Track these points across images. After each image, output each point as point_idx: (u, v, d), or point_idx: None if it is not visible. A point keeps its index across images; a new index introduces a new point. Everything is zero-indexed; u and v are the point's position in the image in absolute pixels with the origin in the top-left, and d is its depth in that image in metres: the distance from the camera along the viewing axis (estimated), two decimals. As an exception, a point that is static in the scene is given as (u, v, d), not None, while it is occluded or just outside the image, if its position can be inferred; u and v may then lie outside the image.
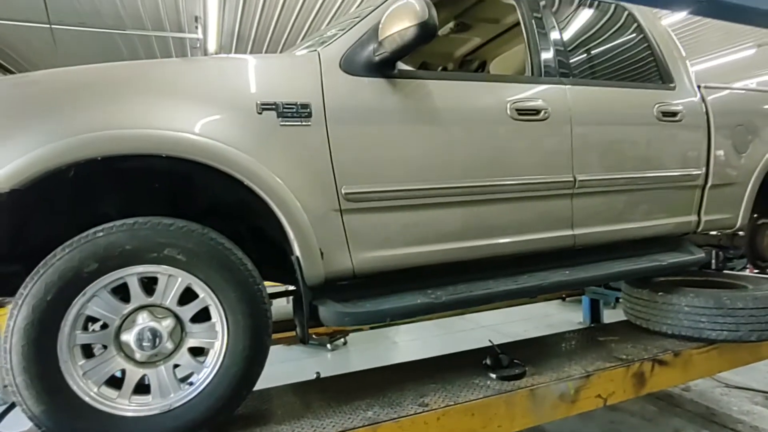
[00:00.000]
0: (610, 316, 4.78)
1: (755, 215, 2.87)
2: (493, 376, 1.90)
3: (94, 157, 1.38)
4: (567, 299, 6.03)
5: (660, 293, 2.38)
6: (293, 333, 2.63)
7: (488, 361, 1.99)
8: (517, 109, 1.99)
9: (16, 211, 1.42)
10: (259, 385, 1.56)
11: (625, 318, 2.69)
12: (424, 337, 5.37)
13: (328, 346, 4.91)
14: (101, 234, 1.39)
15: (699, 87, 2.58)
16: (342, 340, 4.99)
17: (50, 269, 1.34)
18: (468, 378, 1.90)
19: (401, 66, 1.85)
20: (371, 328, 3.30)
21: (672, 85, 2.50)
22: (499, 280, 1.97)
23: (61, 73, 1.49)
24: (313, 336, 1.84)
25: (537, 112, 2.04)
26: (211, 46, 7.56)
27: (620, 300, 3.93)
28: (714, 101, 2.58)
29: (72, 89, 1.46)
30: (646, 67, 2.52)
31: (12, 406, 1.64)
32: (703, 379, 3.72)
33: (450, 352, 2.27)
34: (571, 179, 2.12)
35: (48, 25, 6.26)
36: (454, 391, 1.79)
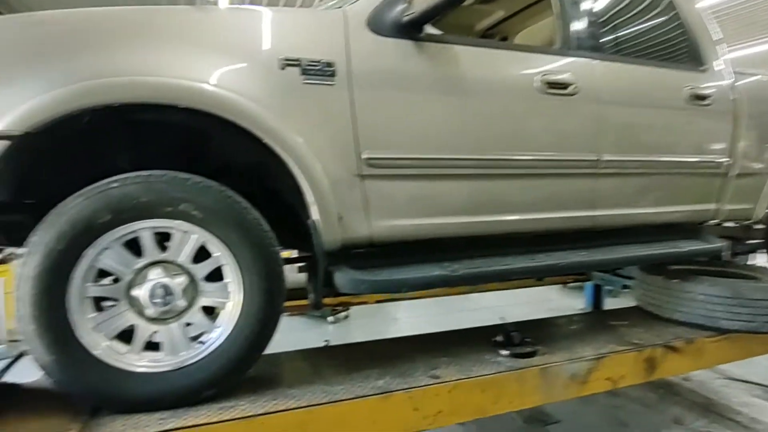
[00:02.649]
0: (612, 304, 4.78)
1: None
2: (505, 353, 1.87)
3: (110, 104, 1.32)
4: (569, 285, 6.05)
5: (675, 280, 2.34)
6: (297, 302, 2.60)
7: (500, 339, 1.97)
8: (546, 82, 1.92)
9: (27, 157, 1.37)
10: (265, 351, 1.53)
11: (633, 305, 2.66)
12: (425, 314, 5.37)
13: (330, 318, 4.92)
14: (115, 185, 1.34)
15: (730, 72, 2.49)
16: (344, 313, 5.00)
17: (62, 218, 1.30)
18: (479, 354, 1.88)
19: (429, 29, 1.77)
20: (376, 302, 3.28)
21: (703, 67, 2.42)
22: (516, 257, 1.93)
23: (79, 14, 1.42)
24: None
25: (566, 86, 1.96)
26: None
27: (627, 287, 3.92)
28: (745, 87, 2.50)
29: (92, 31, 1.39)
30: (678, 48, 2.43)
31: (18, 357, 1.62)
32: (704, 370, 3.73)
33: (460, 328, 2.25)
34: (596, 158, 2.06)
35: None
36: (465, 365, 1.76)
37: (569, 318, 2.50)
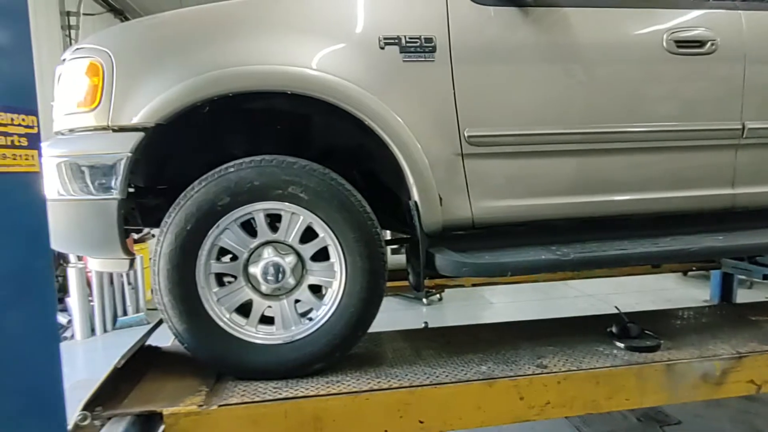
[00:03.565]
0: (745, 297, 4.16)
1: None
2: (621, 345, 1.71)
3: (225, 93, 1.41)
4: (689, 273, 5.38)
5: (842, 271, 1.95)
6: (396, 283, 2.63)
7: (614, 329, 1.80)
8: (676, 41, 1.67)
9: (159, 146, 1.53)
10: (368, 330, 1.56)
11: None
12: (521, 300, 5.16)
13: (424, 300, 4.95)
14: (232, 170, 1.44)
15: None
16: (438, 295, 4.99)
17: (189, 201, 1.43)
18: (590, 344, 1.74)
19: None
20: (472, 285, 3.20)
21: None
22: (636, 241, 1.73)
23: (189, 13, 1.53)
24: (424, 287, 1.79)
25: (702, 44, 1.70)
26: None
27: (768, 278, 3.37)
28: None
29: (203, 27, 1.50)
30: None
31: (158, 323, 1.85)
32: None
33: (566, 316, 2.10)
34: (739, 127, 1.76)
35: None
36: (575, 356, 1.64)
37: (697, 310, 2.21)
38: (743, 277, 4.07)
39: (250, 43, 1.46)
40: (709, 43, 1.70)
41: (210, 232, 1.44)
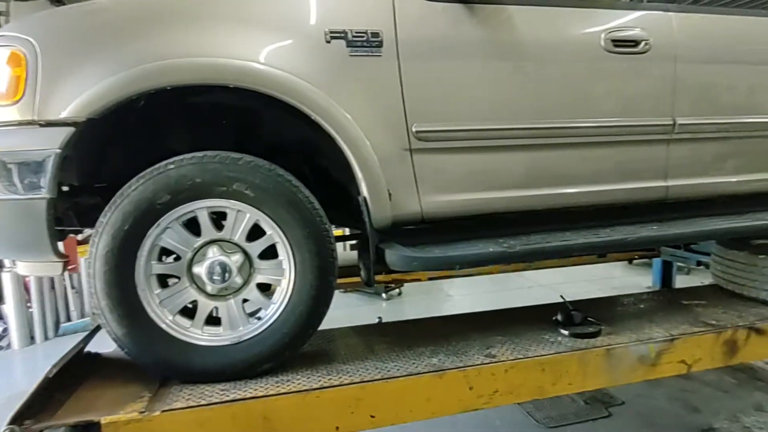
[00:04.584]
0: (683, 282, 4.45)
1: None
2: (565, 332, 1.78)
3: (163, 87, 1.35)
4: (634, 262, 5.68)
5: (761, 256, 2.11)
6: (350, 279, 2.63)
7: (559, 317, 1.87)
8: (612, 40, 1.75)
9: (92, 142, 1.44)
10: (320, 327, 1.55)
11: (708, 283, 2.45)
12: (479, 292, 5.29)
13: (383, 295, 4.97)
14: (172, 166, 1.38)
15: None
16: (397, 290, 5.03)
17: (126, 200, 1.36)
18: (537, 333, 1.80)
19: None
20: (429, 279, 3.25)
21: (802, 12, 2.10)
22: (578, 232, 1.81)
23: (128, 1, 1.46)
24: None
25: (636, 43, 1.78)
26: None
27: (702, 264, 3.62)
28: None
29: (140, 17, 1.42)
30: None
31: (96, 329, 1.76)
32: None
33: (517, 306, 2.17)
34: (671, 123, 1.87)
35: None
36: (522, 344, 1.70)
37: (636, 297, 2.34)
38: (681, 264, 4.36)
39: (190, 34, 1.40)
40: (642, 43, 1.79)
41: (150, 232, 1.38)
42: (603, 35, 1.75)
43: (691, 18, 1.92)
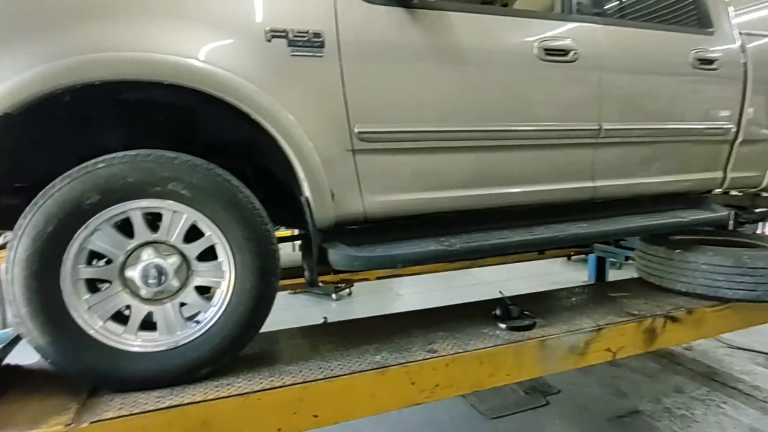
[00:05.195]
0: (615, 276, 4.77)
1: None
2: (503, 326, 1.87)
3: (90, 82, 1.28)
4: (572, 258, 6.03)
5: (677, 251, 2.31)
6: (299, 280, 2.61)
7: (498, 312, 1.96)
8: (545, 49, 1.85)
9: (10, 139, 1.35)
10: (264, 329, 1.54)
11: (634, 277, 2.64)
12: (427, 290, 5.41)
13: (333, 295, 4.96)
14: (102, 165, 1.32)
15: (739, 34, 2.40)
16: (347, 290, 5.03)
17: (50, 200, 1.28)
18: (477, 327, 1.88)
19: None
20: (378, 278, 3.28)
21: (711, 30, 2.32)
22: (515, 230, 1.90)
23: None
24: (320, 284, 1.80)
25: (566, 52, 1.90)
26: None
27: (630, 259, 3.90)
28: (755, 50, 2.40)
29: (66, 6, 1.34)
30: (684, 10, 2.33)
31: (16, 340, 1.64)
32: (706, 339, 3.74)
33: (460, 303, 2.24)
34: (597, 128, 2.00)
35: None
36: (463, 339, 1.76)
37: (569, 290, 2.48)
38: (613, 259, 4.67)
39: (121, 27, 1.34)
40: (571, 53, 1.91)
41: (77, 234, 1.30)
42: (536, 44, 1.85)
43: (616, 31, 2.07)
